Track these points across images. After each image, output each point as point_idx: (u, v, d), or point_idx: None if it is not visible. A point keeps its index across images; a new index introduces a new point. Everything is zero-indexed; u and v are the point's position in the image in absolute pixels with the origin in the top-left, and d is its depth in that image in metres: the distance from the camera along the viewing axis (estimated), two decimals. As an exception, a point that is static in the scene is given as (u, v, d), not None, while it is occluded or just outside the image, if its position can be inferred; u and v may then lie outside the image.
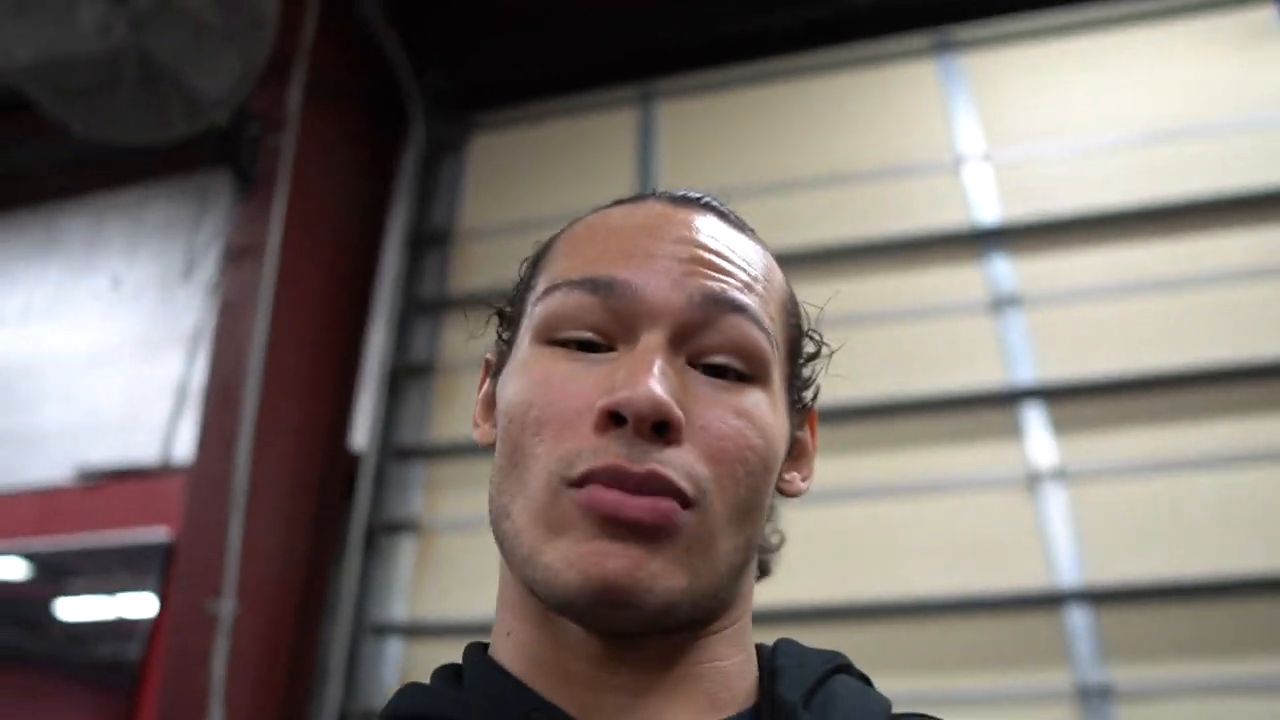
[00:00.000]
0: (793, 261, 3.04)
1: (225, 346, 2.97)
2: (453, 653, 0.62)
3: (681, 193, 0.60)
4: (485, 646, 0.60)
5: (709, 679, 0.54)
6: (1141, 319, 2.75)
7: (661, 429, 0.48)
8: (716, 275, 0.54)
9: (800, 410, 0.61)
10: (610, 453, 0.48)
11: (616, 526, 0.47)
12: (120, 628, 3.33)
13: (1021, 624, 2.52)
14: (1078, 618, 2.47)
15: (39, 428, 3.86)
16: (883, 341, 2.95)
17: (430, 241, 3.61)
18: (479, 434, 0.63)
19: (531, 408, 0.52)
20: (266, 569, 2.80)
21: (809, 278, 3.08)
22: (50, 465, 3.68)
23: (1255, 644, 2.37)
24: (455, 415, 3.22)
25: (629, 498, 0.47)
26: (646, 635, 0.51)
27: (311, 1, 3.19)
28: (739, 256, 0.56)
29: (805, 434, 0.62)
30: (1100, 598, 2.46)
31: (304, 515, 3.03)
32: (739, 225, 0.60)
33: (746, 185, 3.25)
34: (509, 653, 0.56)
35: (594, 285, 0.53)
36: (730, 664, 0.55)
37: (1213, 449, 2.56)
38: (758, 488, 0.52)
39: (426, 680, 0.61)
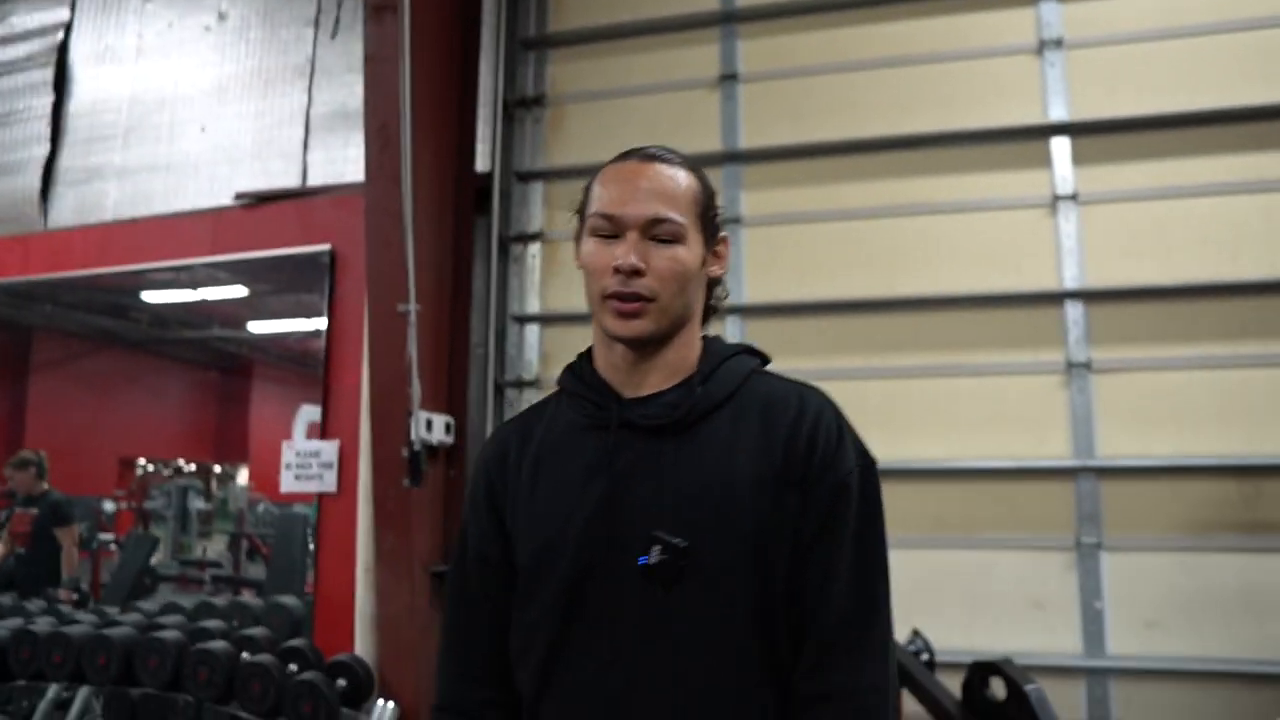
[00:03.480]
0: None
1: (378, 96, 3.45)
2: (581, 335, 1.22)
3: (649, 150, 1.16)
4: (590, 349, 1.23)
5: (674, 363, 1.15)
6: (1171, 62, 3.25)
7: (636, 272, 1.08)
8: (656, 200, 1.10)
9: (714, 242, 1.18)
10: (616, 284, 1.08)
11: (624, 313, 1.08)
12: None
13: (1029, 315, 3.28)
14: (1072, 311, 3.22)
15: (184, 157, 4.40)
16: (936, 80, 3.47)
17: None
18: (578, 261, 1.18)
19: (591, 262, 1.12)
20: (427, 275, 3.48)
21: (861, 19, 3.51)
22: (206, 192, 4.28)
23: (1209, 334, 3.15)
24: (567, 142, 3.78)
25: (626, 304, 1.08)
26: (645, 345, 1.12)
27: None
28: (668, 186, 1.12)
29: (720, 249, 1.20)
30: (1091, 296, 3.21)
31: (448, 230, 3.69)
32: (672, 162, 1.15)
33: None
34: (598, 357, 1.18)
35: (607, 218, 1.11)
36: (683, 355, 1.16)
37: (1203, 180, 3.18)
38: (684, 285, 1.12)
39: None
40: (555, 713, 1.09)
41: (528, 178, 3.79)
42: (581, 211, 1.18)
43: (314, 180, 4.24)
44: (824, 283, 3.46)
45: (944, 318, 3.34)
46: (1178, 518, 3.09)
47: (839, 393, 3.64)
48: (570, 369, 1.22)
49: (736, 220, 3.55)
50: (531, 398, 3.64)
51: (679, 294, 1.11)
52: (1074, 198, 3.26)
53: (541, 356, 3.69)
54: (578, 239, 1.19)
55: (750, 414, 1.13)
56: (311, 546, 4.05)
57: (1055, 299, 3.23)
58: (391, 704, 3.33)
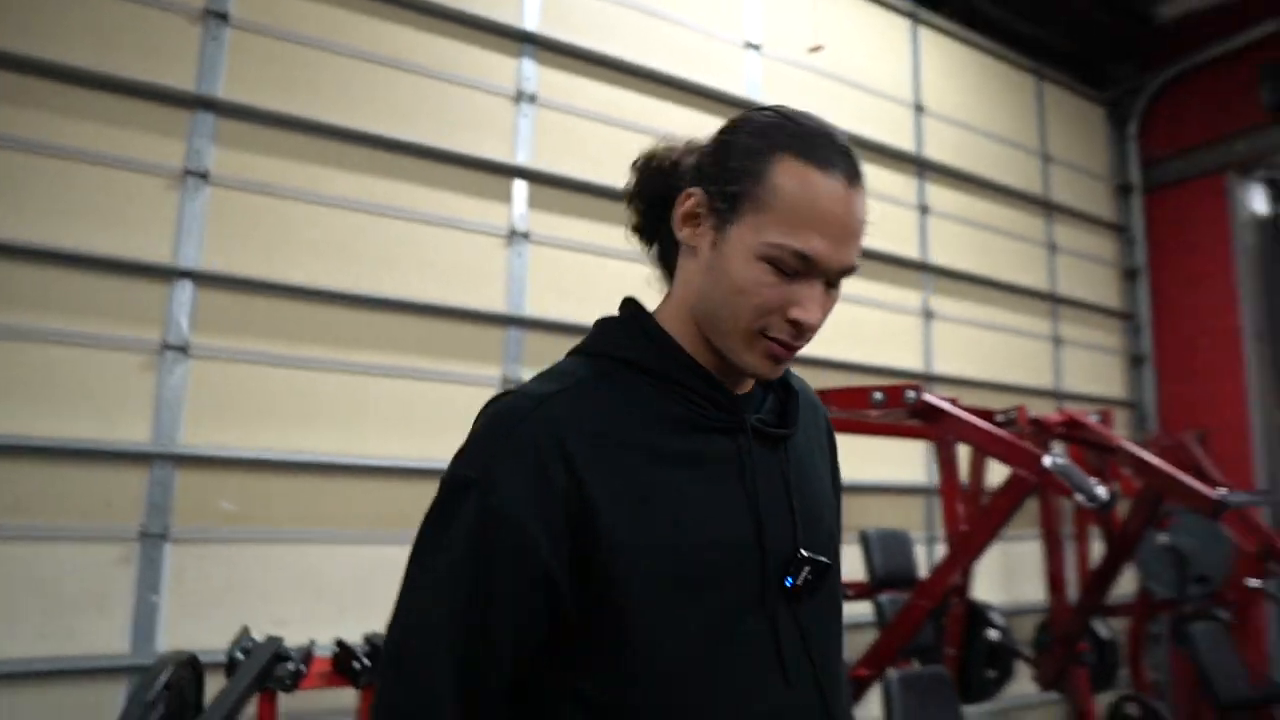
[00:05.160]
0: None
1: None
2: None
3: (855, 164, 1.00)
4: (644, 313, 1.10)
5: None
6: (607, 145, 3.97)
7: (809, 332, 1.00)
8: (855, 245, 0.99)
9: None
10: (785, 334, 1.00)
11: (780, 359, 1.02)
12: None
13: (476, 332, 3.67)
14: (513, 333, 3.70)
15: None
16: (430, 95, 3.65)
17: None
18: (685, 235, 1.05)
19: (752, 292, 0.98)
20: None
21: (367, 10, 3.55)
22: None
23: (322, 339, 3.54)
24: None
25: (787, 352, 1.01)
26: None
27: None
28: (864, 225, 1.01)
29: None
30: (530, 324, 3.73)
31: None
32: (862, 182, 1.00)
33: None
34: (683, 339, 1.07)
35: (800, 256, 0.96)
36: None
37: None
38: None
39: None
40: None
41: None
42: (733, 188, 1.00)
43: None
44: (290, 266, 3.34)
45: (401, 321, 3.51)
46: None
47: (294, 382, 3.55)
48: (645, 339, 1.07)
49: (203, 176, 3.20)
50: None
51: None
52: (526, 235, 3.76)
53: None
54: (717, 211, 1.02)
55: (805, 415, 1.17)
56: None
57: (501, 321, 3.68)
58: None
